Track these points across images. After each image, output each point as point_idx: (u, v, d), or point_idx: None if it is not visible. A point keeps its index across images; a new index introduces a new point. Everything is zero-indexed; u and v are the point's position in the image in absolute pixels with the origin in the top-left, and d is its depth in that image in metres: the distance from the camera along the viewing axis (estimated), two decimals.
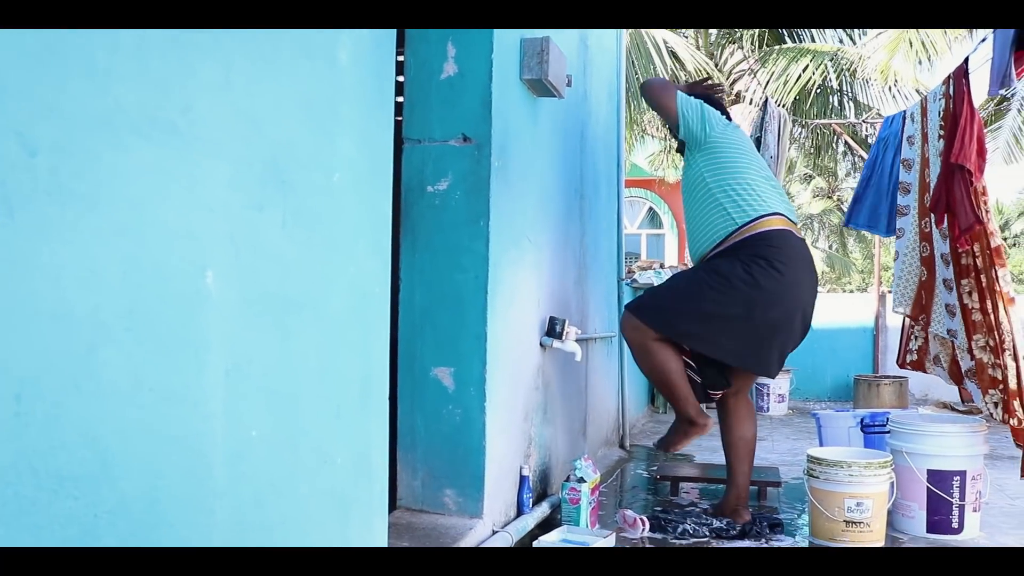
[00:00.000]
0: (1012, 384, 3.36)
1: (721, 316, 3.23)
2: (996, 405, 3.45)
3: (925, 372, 4.08)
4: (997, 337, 3.38)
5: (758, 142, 6.69)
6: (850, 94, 10.86)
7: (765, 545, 3.23)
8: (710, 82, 3.77)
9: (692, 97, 3.45)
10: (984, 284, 3.40)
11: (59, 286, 1.14)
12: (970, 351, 3.54)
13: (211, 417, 1.45)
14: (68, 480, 1.16)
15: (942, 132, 3.56)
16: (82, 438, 1.19)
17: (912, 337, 4.07)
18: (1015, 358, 3.32)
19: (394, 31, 2.18)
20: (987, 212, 3.32)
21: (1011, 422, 3.37)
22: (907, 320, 4.12)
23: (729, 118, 3.59)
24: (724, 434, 3.57)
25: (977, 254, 3.40)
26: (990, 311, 3.38)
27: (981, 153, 3.24)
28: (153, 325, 1.31)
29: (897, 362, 4.25)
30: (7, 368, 1.07)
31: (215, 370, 1.46)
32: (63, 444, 1.15)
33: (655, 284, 6.47)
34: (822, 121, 9.91)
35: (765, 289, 3.18)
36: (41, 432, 1.12)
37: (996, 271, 3.35)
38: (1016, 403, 3.33)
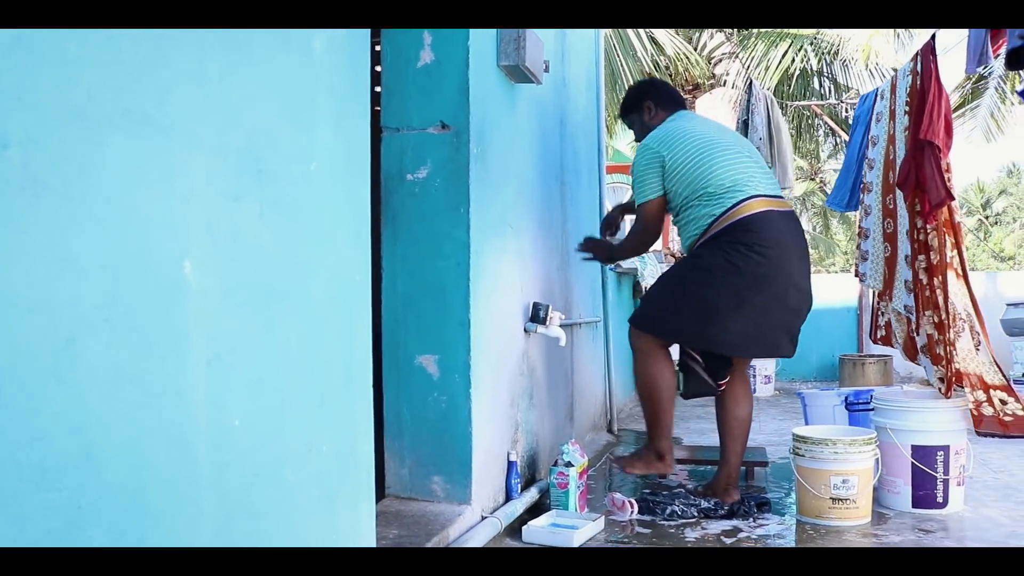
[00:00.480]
0: (960, 360, 3.42)
1: (714, 310, 3.26)
2: (940, 380, 3.50)
3: (892, 347, 4.13)
4: (945, 314, 3.42)
5: (746, 125, 6.72)
6: (830, 75, 10.91)
7: (753, 524, 3.26)
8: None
9: (641, 167, 3.47)
10: (935, 261, 3.42)
11: (36, 278, 1.14)
12: (919, 326, 3.58)
13: (194, 407, 1.45)
14: (50, 471, 1.16)
15: (908, 108, 3.58)
16: (64, 429, 1.18)
17: (880, 313, 4.10)
18: (970, 331, 3.36)
19: None
20: (951, 188, 3.34)
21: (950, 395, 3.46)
22: (876, 297, 4.16)
23: (681, 102, 3.67)
24: (720, 412, 3.60)
25: (932, 231, 3.42)
26: (938, 287, 3.41)
27: (948, 130, 3.26)
28: (132, 315, 1.31)
29: (870, 337, 4.29)
30: None
31: (196, 360, 1.46)
32: (44, 435, 1.15)
33: (639, 268, 6.50)
34: (802, 103, 9.95)
35: (748, 274, 3.21)
36: (21, 424, 1.12)
37: (949, 248, 3.38)
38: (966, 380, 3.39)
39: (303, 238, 1.82)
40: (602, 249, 3.85)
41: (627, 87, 9.74)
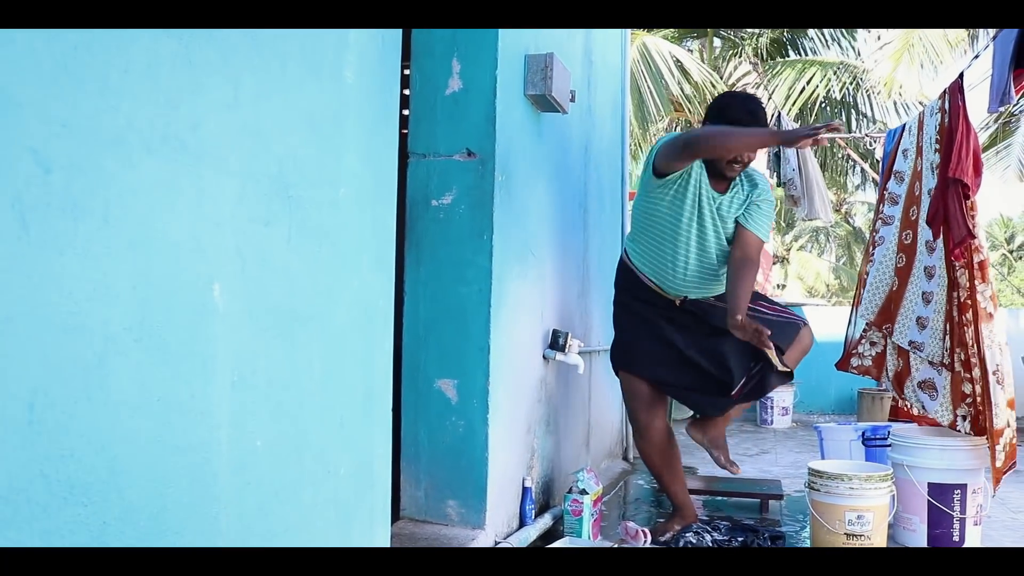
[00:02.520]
0: (977, 401, 3.41)
1: None
2: (964, 418, 3.49)
3: (877, 380, 4.11)
4: (970, 352, 3.41)
5: (777, 157, 6.75)
6: (855, 105, 10.91)
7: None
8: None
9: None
10: (963, 299, 3.43)
11: (71, 299, 1.18)
12: (946, 364, 3.57)
13: (217, 427, 1.48)
14: (78, 487, 1.19)
15: (938, 146, 3.58)
16: (91, 446, 1.22)
17: (869, 342, 4.08)
18: (984, 373, 3.35)
19: (399, 47, 2.22)
20: (975, 227, 3.34)
21: (973, 432, 3.44)
22: (863, 325, 4.12)
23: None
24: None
25: (962, 268, 3.43)
26: (967, 325, 3.41)
27: (977, 168, 3.27)
28: (162, 336, 1.35)
29: (837, 364, 4.21)
30: (21, 377, 1.10)
31: (222, 381, 1.49)
32: (73, 452, 1.19)
33: None
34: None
35: None
36: (52, 440, 1.15)
37: (977, 286, 3.38)
38: (983, 417, 3.37)
39: (328, 263, 1.85)
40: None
41: (654, 114, 9.79)
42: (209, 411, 1.46)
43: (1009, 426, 3.43)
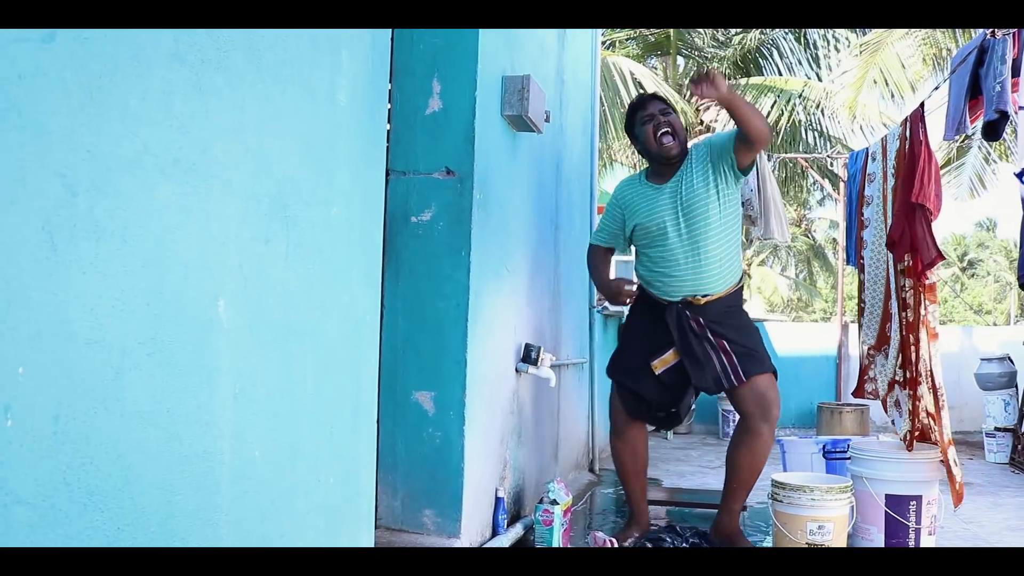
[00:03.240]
0: (922, 416, 3.54)
1: None
2: (908, 434, 3.65)
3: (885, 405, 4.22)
4: (916, 371, 3.56)
5: None
6: (817, 128, 11.16)
7: None
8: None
9: None
10: (912, 319, 3.57)
11: (93, 315, 1.24)
12: (898, 381, 3.72)
13: (221, 437, 1.55)
14: (97, 494, 1.25)
15: (894, 171, 3.74)
16: (108, 455, 1.28)
17: (875, 366, 4.21)
18: (934, 391, 3.48)
19: (387, 70, 2.30)
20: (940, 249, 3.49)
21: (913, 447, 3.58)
22: (867, 350, 4.27)
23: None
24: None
25: (910, 289, 3.57)
26: (912, 344, 3.55)
27: (938, 193, 3.41)
28: (171, 351, 1.41)
29: (853, 392, 4.36)
30: (48, 390, 1.16)
31: (225, 393, 1.56)
32: (93, 461, 1.25)
33: (625, 312, 6.60)
34: (789, 156, 10.16)
35: None
36: (75, 449, 1.21)
37: (927, 306, 3.52)
38: (935, 431, 3.50)
39: (321, 279, 1.92)
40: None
41: (617, 130, 9.93)
42: (213, 422, 1.53)
43: (951, 444, 3.57)
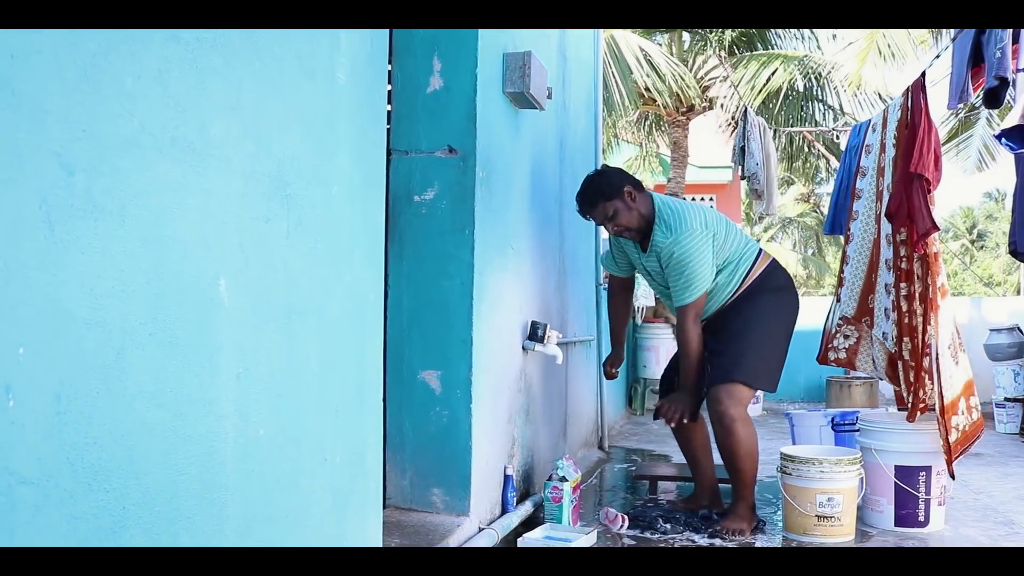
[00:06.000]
0: (929, 388, 3.52)
1: (785, 350, 3.58)
2: (910, 406, 3.64)
3: (854, 368, 4.23)
4: (917, 341, 3.54)
5: (743, 151, 6.86)
6: (820, 97, 11.07)
7: (740, 539, 3.35)
8: None
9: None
10: (918, 290, 3.55)
11: (92, 295, 1.24)
12: (900, 354, 3.70)
13: (224, 417, 1.55)
14: (101, 474, 1.26)
15: (895, 142, 3.71)
16: (112, 435, 1.28)
17: (843, 336, 4.20)
18: (936, 364, 3.46)
19: (387, 48, 2.29)
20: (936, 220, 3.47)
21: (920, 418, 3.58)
22: (836, 320, 4.24)
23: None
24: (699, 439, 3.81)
25: (918, 260, 3.55)
26: (919, 314, 3.53)
27: (937, 164, 3.39)
28: (173, 330, 1.41)
29: (817, 358, 4.32)
30: (49, 370, 1.16)
31: (227, 373, 1.56)
32: (96, 441, 1.25)
33: (634, 290, 6.60)
34: (794, 129, 10.10)
35: (794, 312, 3.61)
36: (78, 430, 1.21)
37: (931, 277, 3.50)
38: (937, 408, 3.48)
39: (323, 258, 1.92)
40: (682, 402, 3.54)
41: (620, 107, 9.87)
42: (216, 402, 1.53)
43: (967, 409, 3.55)
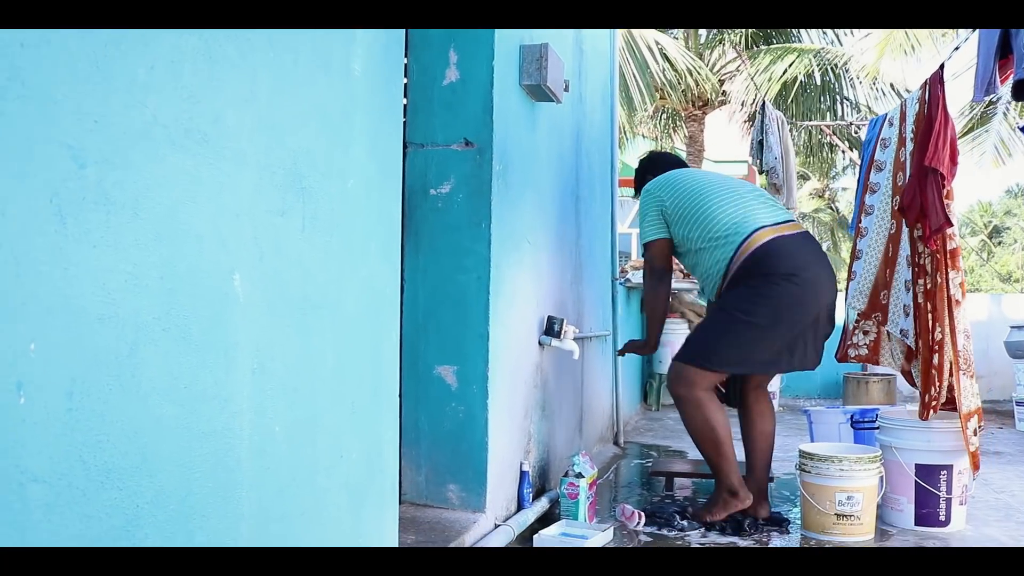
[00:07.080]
0: (942, 382, 3.46)
1: (753, 337, 3.34)
2: (930, 403, 3.57)
3: (878, 364, 4.13)
4: (934, 339, 3.47)
5: (761, 145, 6.80)
6: (838, 90, 10.98)
7: (758, 538, 3.31)
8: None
9: (646, 198, 3.60)
10: (933, 286, 3.47)
11: (105, 289, 1.22)
12: (918, 350, 3.63)
13: (239, 413, 1.53)
14: (114, 472, 1.23)
15: (913, 135, 3.64)
16: (125, 433, 1.26)
17: (862, 332, 4.11)
18: (955, 358, 3.41)
19: (402, 40, 2.26)
20: (951, 215, 3.40)
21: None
22: (853, 316, 4.17)
23: (680, 163, 3.88)
24: (745, 429, 3.64)
25: (929, 256, 3.48)
26: (935, 311, 3.46)
27: (953, 158, 3.32)
28: (187, 325, 1.39)
29: (836, 356, 4.21)
30: (61, 367, 1.14)
31: (243, 369, 1.53)
32: (109, 438, 1.22)
33: None
34: (811, 123, 10.02)
35: (777, 298, 3.28)
36: (90, 427, 1.19)
37: (949, 273, 3.43)
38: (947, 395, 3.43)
39: (339, 252, 1.89)
40: (638, 344, 3.85)
41: (638, 101, 9.83)
42: (232, 398, 1.50)
43: (977, 412, 3.50)
